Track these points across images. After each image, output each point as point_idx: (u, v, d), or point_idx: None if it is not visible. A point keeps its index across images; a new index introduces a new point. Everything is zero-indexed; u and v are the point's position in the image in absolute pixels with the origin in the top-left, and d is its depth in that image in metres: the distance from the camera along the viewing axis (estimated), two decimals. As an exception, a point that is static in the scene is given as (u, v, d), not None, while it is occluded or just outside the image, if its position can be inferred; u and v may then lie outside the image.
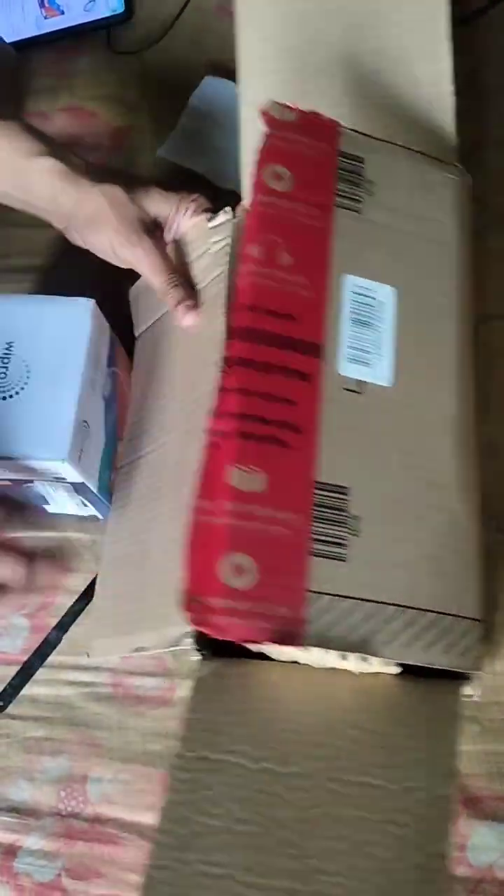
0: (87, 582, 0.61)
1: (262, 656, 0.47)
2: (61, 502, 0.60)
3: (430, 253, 0.48)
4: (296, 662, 0.45)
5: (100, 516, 0.61)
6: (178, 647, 0.46)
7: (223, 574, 0.39)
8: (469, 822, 0.50)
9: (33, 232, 0.74)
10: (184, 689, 0.57)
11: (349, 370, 0.44)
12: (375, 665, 0.42)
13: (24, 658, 0.61)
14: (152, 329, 0.63)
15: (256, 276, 0.44)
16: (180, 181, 0.73)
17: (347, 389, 0.44)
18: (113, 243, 0.57)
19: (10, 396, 0.54)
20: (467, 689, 0.45)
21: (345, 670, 0.44)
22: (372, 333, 0.45)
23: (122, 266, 0.59)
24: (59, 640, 0.61)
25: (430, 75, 0.51)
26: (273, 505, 0.40)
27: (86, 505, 0.60)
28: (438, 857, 0.36)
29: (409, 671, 0.43)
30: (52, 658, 0.60)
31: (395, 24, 0.52)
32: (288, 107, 0.48)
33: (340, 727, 0.41)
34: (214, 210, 0.58)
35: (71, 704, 0.59)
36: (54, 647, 0.61)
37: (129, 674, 0.59)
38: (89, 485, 0.56)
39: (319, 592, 0.40)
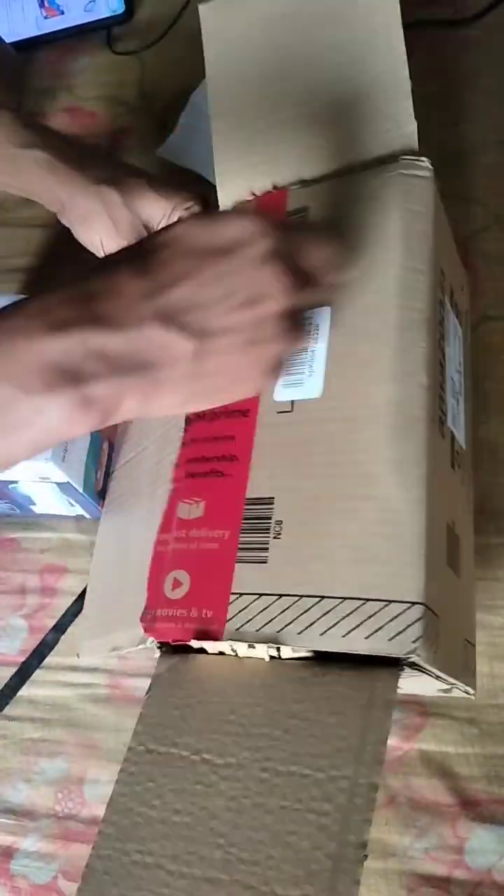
0: (85, 583, 0.61)
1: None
2: (48, 502, 0.60)
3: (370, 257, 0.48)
4: (236, 655, 0.46)
5: (87, 515, 0.61)
6: (144, 647, 0.46)
7: (166, 588, 0.46)
8: (467, 824, 0.50)
9: (22, 232, 0.74)
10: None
11: (282, 395, 0.47)
12: (286, 653, 0.43)
13: (22, 659, 0.61)
14: None
15: None
16: (179, 182, 0.73)
17: (280, 412, 0.47)
18: (105, 243, 0.57)
19: None
20: (466, 689, 0.45)
21: (291, 662, 0.44)
22: (307, 355, 0.47)
23: None
24: (56, 642, 0.61)
25: (386, 63, 0.52)
26: (208, 526, 0.46)
27: (73, 504, 0.60)
28: (356, 846, 0.36)
29: (351, 660, 0.42)
30: (50, 659, 0.60)
31: (348, 21, 0.53)
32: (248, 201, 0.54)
33: (279, 717, 0.41)
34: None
35: (68, 706, 0.59)
36: (52, 649, 0.60)
37: (126, 675, 0.59)
38: (74, 484, 0.56)
39: (240, 594, 0.44)
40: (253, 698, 0.43)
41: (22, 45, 0.82)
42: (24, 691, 0.60)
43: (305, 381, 0.47)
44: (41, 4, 0.82)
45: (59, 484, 0.56)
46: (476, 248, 0.62)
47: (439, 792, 0.51)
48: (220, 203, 0.57)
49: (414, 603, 0.39)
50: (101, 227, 0.56)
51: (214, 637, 0.44)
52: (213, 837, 0.39)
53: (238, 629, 0.43)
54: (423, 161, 0.49)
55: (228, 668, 0.45)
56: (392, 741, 0.53)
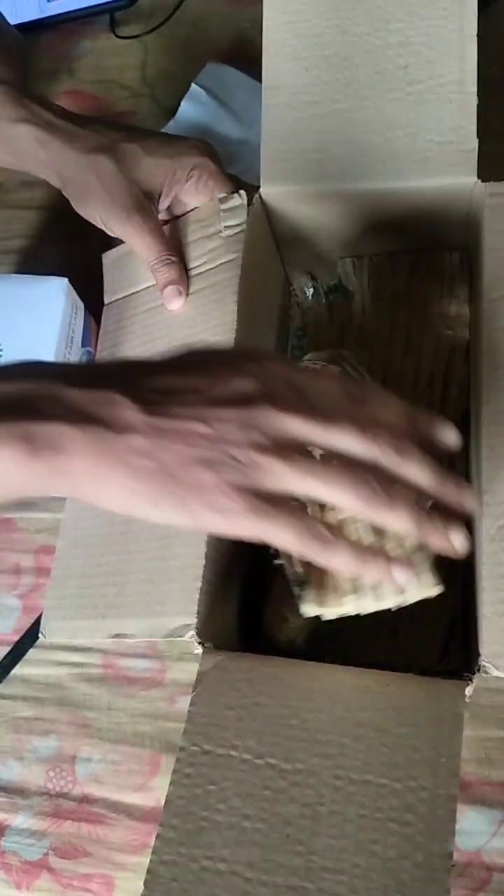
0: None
1: (264, 651, 0.47)
2: None
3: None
4: (300, 653, 0.45)
5: None
6: (174, 638, 0.45)
7: None
8: (457, 806, 0.50)
9: (20, 214, 0.74)
10: (175, 672, 0.57)
11: None
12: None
13: (16, 638, 0.61)
14: (131, 300, 0.60)
15: None
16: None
17: None
18: (102, 217, 0.55)
19: None
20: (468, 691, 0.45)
21: (349, 668, 0.44)
22: None
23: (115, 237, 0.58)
24: (50, 621, 0.61)
25: (454, 74, 0.51)
26: None
27: None
28: (442, 856, 0.36)
29: (413, 670, 0.43)
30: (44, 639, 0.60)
31: (422, 19, 0.52)
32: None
33: (344, 724, 0.41)
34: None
35: (61, 685, 0.59)
36: (46, 628, 0.60)
37: (120, 655, 0.59)
38: None
39: None
40: (314, 703, 0.42)
41: (25, 28, 0.82)
42: (18, 670, 0.60)
43: None
44: (44, -13, 0.82)
45: None
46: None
47: (430, 774, 0.52)
48: (262, 175, 0.55)
49: None
50: (96, 200, 0.54)
51: None
52: (290, 845, 0.38)
53: None
54: None
55: (283, 671, 0.44)
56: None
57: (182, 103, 0.74)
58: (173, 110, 0.74)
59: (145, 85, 0.78)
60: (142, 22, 0.81)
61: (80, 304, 0.59)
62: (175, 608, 0.46)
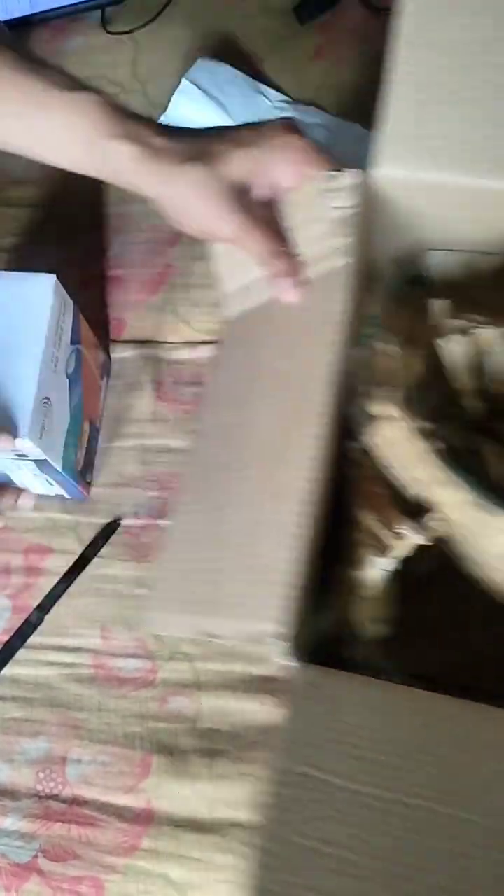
0: (69, 563, 0.61)
1: (351, 667, 0.45)
2: (26, 481, 0.60)
3: None
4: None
5: (66, 496, 0.61)
6: (263, 644, 0.43)
7: None
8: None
9: (11, 212, 0.74)
10: (165, 672, 0.57)
11: None
12: None
13: (6, 639, 0.60)
14: (249, 290, 0.58)
15: None
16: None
17: None
18: (204, 226, 0.53)
19: None
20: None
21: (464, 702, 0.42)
22: None
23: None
24: (40, 622, 0.60)
25: None
26: None
27: (51, 484, 0.59)
28: None
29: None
30: (33, 639, 0.60)
31: None
32: None
33: (457, 764, 0.39)
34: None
35: (51, 685, 0.58)
36: (35, 628, 0.60)
37: (110, 655, 0.58)
38: (52, 462, 0.56)
39: None
40: (417, 736, 0.40)
41: (15, 24, 0.81)
42: (7, 671, 0.59)
43: None
44: (35, -17, 0.82)
45: (36, 461, 0.55)
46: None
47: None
48: (374, 156, 0.51)
49: None
50: (193, 210, 0.52)
51: None
52: (398, 882, 0.36)
53: None
54: None
55: (380, 695, 0.42)
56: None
57: (173, 98, 0.73)
58: (164, 106, 0.74)
59: (136, 81, 0.78)
60: (133, 18, 0.80)
61: (70, 302, 0.58)
62: (263, 613, 0.43)
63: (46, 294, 0.55)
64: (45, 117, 0.52)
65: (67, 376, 0.57)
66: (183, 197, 0.52)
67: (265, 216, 0.53)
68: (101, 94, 0.53)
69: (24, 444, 0.52)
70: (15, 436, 0.52)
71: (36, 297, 0.55)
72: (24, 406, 0.52)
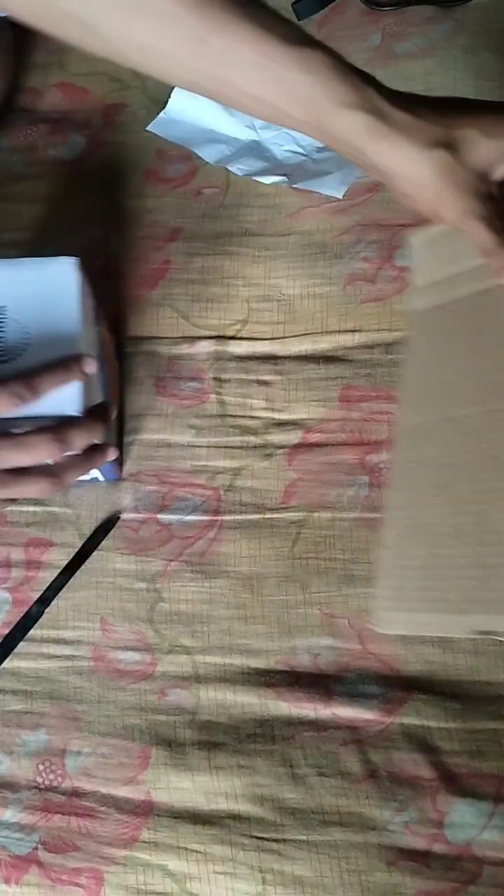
0: (70, 556, 0.61)
1: None
2: None
3: None
4: None
5: (101, 478, 0.61)
6: None
7: None
8: (448, 798, 0.50)
9: (12, 207, 0.74)
10: (165, 664, 0.57)
11: None
12: None
13: (6, 632, 0.60)
14: (441, 285, 0.59)
15: None
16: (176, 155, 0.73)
17: None
18: (439, 211, 0.51)
19: (13, 359, 0.53)
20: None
21: None
22: None
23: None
24: (40, 615, 0.61)
25: None
26: None
27: None
28: None
29: None
30: (34, 632, 0.60)
31: None
32: None
33: None
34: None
35: (51, 678, 0.59)
36: (36, 621, 0.60)
37: (110, 648, 0.58)
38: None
39: None
40: None
41: (15, 21, 0.81)
42: (8, 663, 0.59)
43: None
44: (35, -20, 0.82)
45: None
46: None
47: (420, 766, 0.51)
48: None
49: None
50: (434, 196, 0.50)
51: None
52: None
53: None
54: None
55: None
56: (374, 715, 0.53)
57: (172, 95, 0.73)
58: (164, 102, 0.74)
59: (136, 77, 0.78)
60: (133, 14, 0.80)
61: (88, 285, 0.58)
62: None
63: (72, 275, 0.55)
64: (272, 74, 0.48)
65: (97, 357, 0.57)
66: (424, 179, 0.50)
67: (497, 208, 0.52)
68: (329, 52, 0.49)
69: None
70: (73, 411, 0.52)
71: (64, 280, 0.55)
72: (74, 385, 0.52)
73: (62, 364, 0.52)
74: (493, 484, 0.49)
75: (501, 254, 0.51)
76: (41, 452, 0.51)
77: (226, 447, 0.63)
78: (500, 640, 0.46)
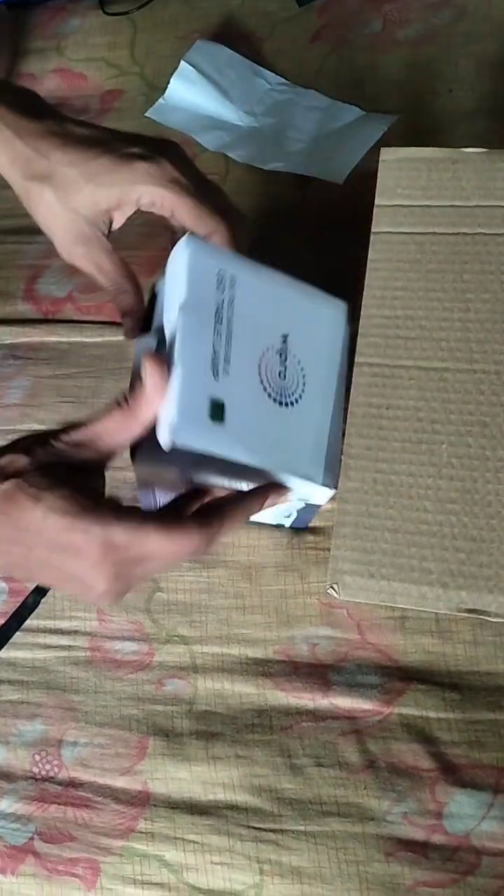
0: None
1: None
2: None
3: None
4: None
5: (287, 525, 0.58)
6: None
7: None
8: (446, 789, 0.50)
9: None
10: (162, 654, 0.57)
11: None
12: None
13: (2, 621, 0.60)
14: (431, 213, 0.53)
15: None
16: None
17: None
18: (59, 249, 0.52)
19: (290, 404, 0.46)
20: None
21: None
22: None
23: None
24: (37, 604, 0.60)
25: None
26: None
27: (287, 516, 0.56)
28: None
29: None
30: (30, 622, 0.59)
31: None
32: None
33: None
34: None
35: (48, 668, 0.58)
36: (32, 611, 0.60)
37: (107, 638, 0.58)
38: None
39: None
40: None
41: (13, 5, 0.81)
42: (4, 654, 0.59)
43: None
44: (32, -36, 0.81)
45: (309, 505, 0.52)
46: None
47: (419, 756, 0.51)
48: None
49: None
50: (41, 226, 0.51)
51: None
52: None
53: None
54: None
55: None
56: (372, 705, 0.53)
57: (172, 81, 0.73)
58: (163, 88, 0.73)
59: (134, 63, 0.77)
60: (131, -1, 0.80)
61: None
62: None
63: (341, 322, 0.49)
64: None
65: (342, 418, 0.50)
66: (31, 209, 0.51)
67: (109, 251, 0.52)
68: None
69: (321, 491, 0.48)
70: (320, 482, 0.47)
71: (330, 324, 0.49)
72: (333, 449, 0.48)
73: (257, 499, 0.46)
74: (483, 451, 0.47)
75: (118, 299, 0.53)
76: (186, 546, 0.42)
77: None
78: (487, 620, 0.43)
